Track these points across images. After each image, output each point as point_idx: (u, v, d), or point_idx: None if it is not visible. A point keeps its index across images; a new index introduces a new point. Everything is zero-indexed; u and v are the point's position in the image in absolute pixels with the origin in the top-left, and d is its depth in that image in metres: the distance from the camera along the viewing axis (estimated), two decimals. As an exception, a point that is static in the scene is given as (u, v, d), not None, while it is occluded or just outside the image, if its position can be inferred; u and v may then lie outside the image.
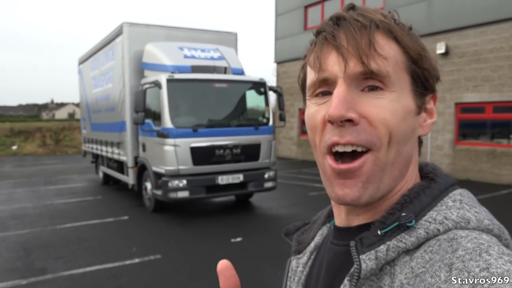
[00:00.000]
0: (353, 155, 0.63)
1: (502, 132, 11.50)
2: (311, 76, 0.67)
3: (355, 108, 0.61)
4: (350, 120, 0.61)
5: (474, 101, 11.74)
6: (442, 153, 12.38)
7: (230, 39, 9.73)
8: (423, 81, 0.65)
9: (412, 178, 0.68)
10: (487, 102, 11.50)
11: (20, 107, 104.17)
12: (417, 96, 0.65)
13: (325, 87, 0.65)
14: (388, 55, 0.62)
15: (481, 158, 11.58)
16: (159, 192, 7.76)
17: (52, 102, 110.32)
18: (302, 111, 18.10)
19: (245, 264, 5.29)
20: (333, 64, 0.63)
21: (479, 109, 11.78)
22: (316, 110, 0.66)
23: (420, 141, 0.71)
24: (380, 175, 0.62)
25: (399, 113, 0.62)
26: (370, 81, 0.62)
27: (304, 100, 0.72)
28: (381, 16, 0.64)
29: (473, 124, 12.16)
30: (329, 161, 0.64)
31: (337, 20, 0.64)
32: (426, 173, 0.70)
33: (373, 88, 0.62)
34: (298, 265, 0.81)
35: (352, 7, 0.66)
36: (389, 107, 0.61)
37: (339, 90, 0.61)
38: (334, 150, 0.63)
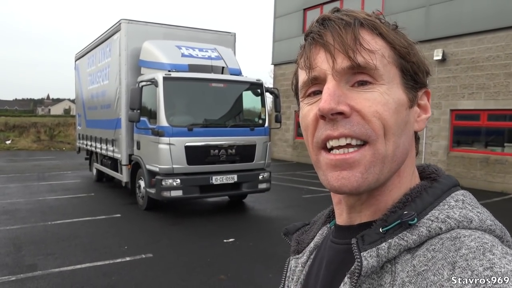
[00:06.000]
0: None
1: (496, 140, 11.57)
2: (302, 76, 0.68)
3: (346, 101, 0.61)
4: (341, 114, 0.61)
5: (469, 108, 11.80)
6: (436, 159, 12.42)
7: (228, 39, 9.72)
8: (413, 75, 0.66)
9: (409, 173, 0.68)
10: (482, 110, 11.56)
11: (16, 101, 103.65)
12: (408, 89, 0.66)
13: (316, 86, 0.66)
14: (374, 48, 0.63)
15: (474, 165, 11.64)
16: (152, 191, 7.73)
17: (48, 97, 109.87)
18: (298, 114, 18.09)
19: (237, 265, 5.28)
20: (322, 61, 0.64)
21: (474, 116, 11.85)
22: (308, 109, 0.67)
23: (417, 138, 0.72)
24: (380, 166, 0.62)
25: (390, 105, 0.62)
26: (359, 76, 0.62)
27: (298, 104, 0.72)
28: (365, 15, 0.65)
29: (467, 131, 12.23)
30: (324, 153, 0.64)
31: (322, 21, 0.65)
32: (429, 173, 0.70)
33: (362, 83, 0.63)
34: (297, 265, 0.81)
35: (337, 10, 0.67)
36: (380, 99, 0.62)
37: (329, 85, 0.62)
38: (329, 146, 0.64)
